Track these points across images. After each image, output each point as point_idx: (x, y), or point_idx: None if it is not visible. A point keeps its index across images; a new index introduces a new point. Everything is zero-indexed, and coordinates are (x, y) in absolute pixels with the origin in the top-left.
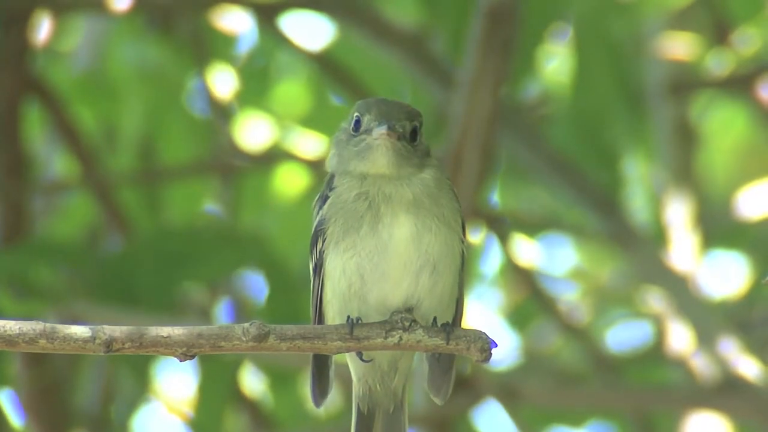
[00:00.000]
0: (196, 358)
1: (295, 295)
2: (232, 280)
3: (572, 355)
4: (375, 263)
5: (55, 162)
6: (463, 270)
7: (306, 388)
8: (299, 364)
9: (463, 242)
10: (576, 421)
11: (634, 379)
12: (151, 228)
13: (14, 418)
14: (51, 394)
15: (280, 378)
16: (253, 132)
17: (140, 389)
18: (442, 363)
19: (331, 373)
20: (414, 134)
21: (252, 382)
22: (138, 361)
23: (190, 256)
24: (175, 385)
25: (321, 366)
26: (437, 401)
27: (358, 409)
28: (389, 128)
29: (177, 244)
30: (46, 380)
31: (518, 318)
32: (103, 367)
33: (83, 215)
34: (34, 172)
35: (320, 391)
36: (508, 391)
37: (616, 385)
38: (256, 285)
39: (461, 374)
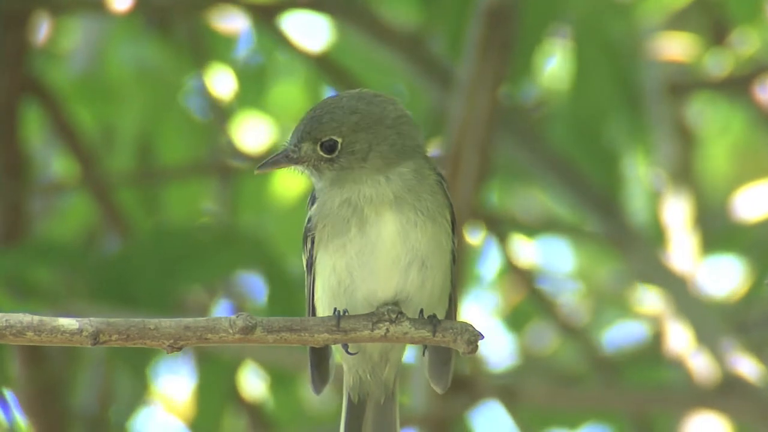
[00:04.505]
0: (195, 361)
1: (294, 296)
2: (230, 281)
3: (570, 355)
4: (364, 261)
5: (53, 162)
6: (454, 265)
7: (305, 389)
8: (299, 364)
9: (452, 237)
10: (574, 423)
11: (632, 380)
12: (149, 229)
13: (12, 418)
14: (49, 395)
15: (279, 379)
16: (251, 133)
17: (138, 390)
18: (440, 354)
19: (332, 360)
20: (331, 147)
21: (251, 383)
22: (136, 360)
23: (188, 257)
24: (174, 386)
25: (320, 354)
26: (438, 390)
27: (349, 398)
28: (284, 157)
29: (175, 244)
30: (45, 381)
31: (516, 319)
32: (101, 368)
33: (81, 216)
34: (32, 173)
35: (320, 378)
36: (508, 392)
37: (615, 386)
38: (255, 286)
39: (460, 375)
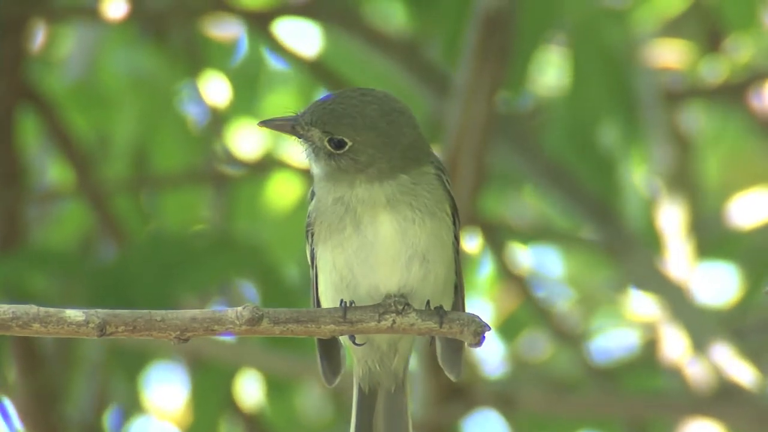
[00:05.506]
0: (191, 369)
1: (291, 303)
2: (227, 288)
3: (565, 363)
4: (363, 258)
5: (49, 170)
6: (459, 256)
7: (301, 397)
8: (295, 371)
9: (453, 229)
10: (569, 429)
11: (628, 387)
12: (145, 236)
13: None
14: (46, 402)
15: (276, 387)
16: (246, 140)
17: (133, 397)
18: (451, 342)
19: (343, 351)
20: (339, 144)
21: (248, 391)
22: (131, 366)
23: (184, 264)
24: (170, 394)
25: (329, 345)
26: (451, 377)
27: (360, 388)
28: (291, 127)
29: (171, 251)
30: (41, 389)
31: (511, 326)
32: (97, 376)
33: (77, 223)
34: (28, 180)
35: (331, 370)
36: (504, 399)
37: (611, 393)
38: (251, 292)
39: (457, 382)
